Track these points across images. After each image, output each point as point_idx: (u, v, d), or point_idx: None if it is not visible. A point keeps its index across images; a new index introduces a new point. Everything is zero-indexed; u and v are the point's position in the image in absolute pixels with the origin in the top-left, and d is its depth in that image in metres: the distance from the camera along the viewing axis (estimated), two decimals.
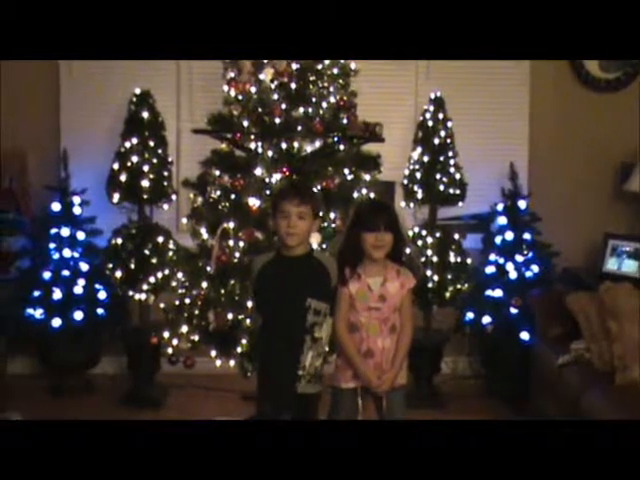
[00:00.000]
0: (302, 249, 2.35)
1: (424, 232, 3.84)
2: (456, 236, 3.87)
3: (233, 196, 3.07)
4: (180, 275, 3.30)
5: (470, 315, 3.88)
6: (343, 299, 2.37)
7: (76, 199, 3.83)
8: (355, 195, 3.15)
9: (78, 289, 3.76)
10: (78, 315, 3.71)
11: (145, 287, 3.74)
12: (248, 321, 2.92)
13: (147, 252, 3.74)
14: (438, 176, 3.78)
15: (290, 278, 2.31)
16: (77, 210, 3.84)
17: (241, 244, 3.02)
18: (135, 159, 3.73)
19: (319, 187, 3.06)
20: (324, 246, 2.97)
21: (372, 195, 3.17)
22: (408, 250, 2.47)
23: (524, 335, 3.69)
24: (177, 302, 3.19)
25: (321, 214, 2.98)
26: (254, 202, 3.00)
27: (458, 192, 3.82)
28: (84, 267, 3.80)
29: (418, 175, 3.80)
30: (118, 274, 3.72)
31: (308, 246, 2.40)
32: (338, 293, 2.37)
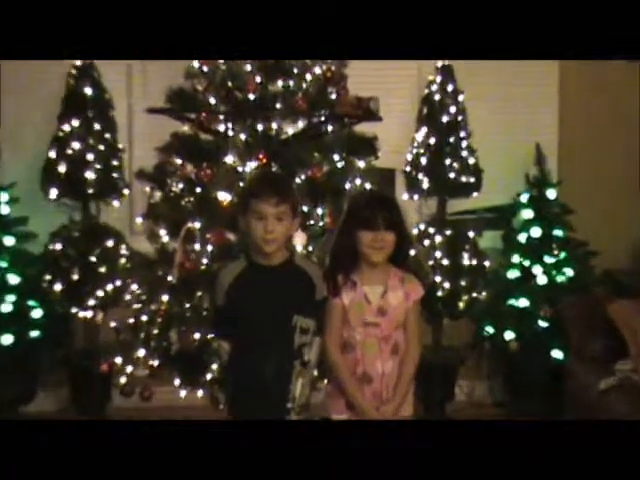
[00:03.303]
0: (281, 256, 2.36)
1: (432, 229, 3.88)
2: (471, 234, 3.91)
3: (199, 189, 3.10)
4: (135, 287, 3.35)
5: (489, 329, 3.96)
6: (335, 313, 2.39)
7: (2, 195, 3.82)
8: (347, 186, 3.19)
9: (6, 307, 3.76)
10: (6, 339, 3.69)
11: (92, 302, 3.77)
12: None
13: (94, 259, 3.77)
14: (448, 161, 3.82)
15: (270, 292, 2.32)
16: (4, 210, 3.83)
17: (209, 248, 3.05)
18: (76, 145, 3.76)
19: (303, 177, 3.11)
20: (310, 248, 3.00)
21: (368, 186, 3.21)
22: (413, 252, 2.51)
23: (556, 353, 3.76)
24: (131, 320, 3.24)
25: (305, 209, 3.04)
26: (224, 197, 3.04)
27: (472, 180, 3.86)
28: (13, 280, 3.78)
29: (423, 160, 3.84)
30: (57, 287, 3.74)
31: (287, 251, 2.41)
32: (328, 305, 2.39)
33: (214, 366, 2.98)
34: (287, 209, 2.31)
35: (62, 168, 3.79)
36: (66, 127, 3.81)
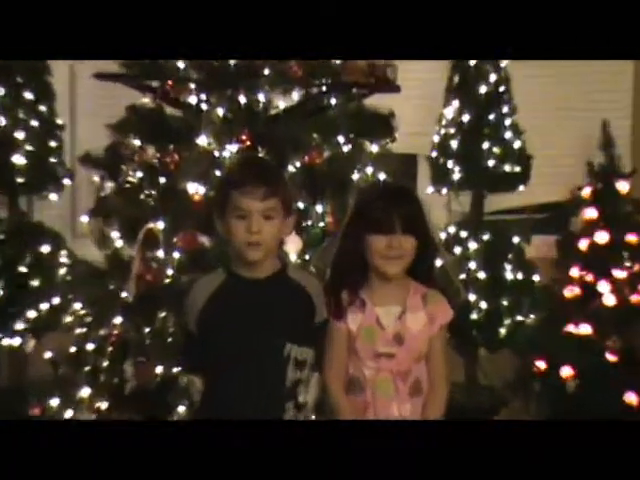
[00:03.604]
0: (270, 266, 2.38)
1: (464, 233, 3.94)
2: (515, 239, 3.95)
3: (163, 179, 3.14)
4: (78, 305, 3.34)
5: (540, 365, 3.94)
6: (338, 341, 2.40)
7: None
8: (355, 177, 3.22)
9: None
10: None
11: (20, 326, 3.79)
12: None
13: (24, 269, 3.80)
14: (486, 144, 3.86)
15: (256, 313, 2.34)
16: None
17: (176, 255, 3.08)
18: (1, 121, 3.80)
19: (298, 164, 3.13)
20: (307, 257, 3.02)
21: (382, 176, 3.23)
22: (440, 262, 2.52)
23: (629, 397, 3.74)
24: (73, 348, 3.25)
25: (301, 206, 3.07)
26: (196, 189, 3.07)
27: (518, 170, 3.92)
28: None
29: (454, 144, 3.90)
30: None
31: (278, 260, 2.43)
32: (330, 331, 2.41)
33: (181, 409, 2.97)
34: (277, 205, 2.32)
35: None
36: None
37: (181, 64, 3.17)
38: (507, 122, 3.96)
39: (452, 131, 3.95)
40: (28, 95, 3.88)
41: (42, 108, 3.94)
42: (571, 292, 3.96)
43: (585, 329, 3.89)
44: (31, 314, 3.84)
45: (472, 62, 3.96)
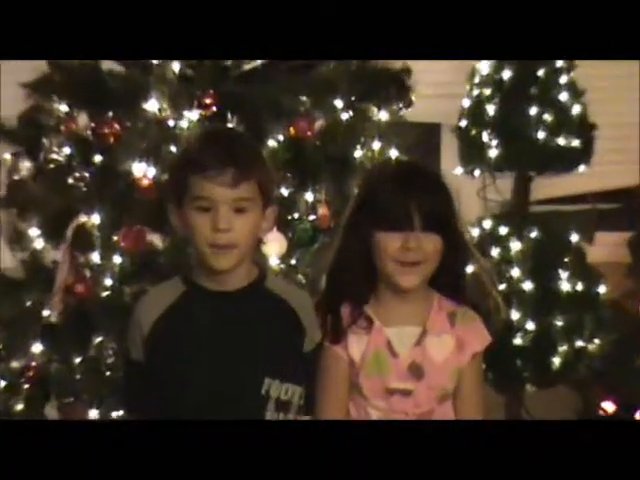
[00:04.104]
0: (243, 275, 2.41)
1: (504, 229, 3.97)
2: (573, 237, 3.99)
3: (99, 158, 3.22)
4: None
5: (607, 406, 4.03)
6: (335, 372, 2.42)
7: None
8: (357, 154, 3.28)
9: None
10: None
11: None
12: None
13: None
14: (533, 110, 3.90)
15: (223, 339, 2.37)
16: None
17: (117, 259, 3.16)
18: None
19: (281, 137, 3.21)
20: (294, 262, 3.10)
21: (394, 154, 3.29)
22: (472, 269, 2.55)
23: None
24: None
25: (285, 193, 3.18)
26: (143, 170, 3.15)
27: (577, 144, 3.97)
28: None
29: (490, 109, 3.93)
30: None
31: (255, 267, 2.46)
32: (324, 360, 2.42)
33: None
34: (252, 193, 2.34)
35: None
36: None
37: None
38: (562, 80, 3.99)
39: (488, 92, 3.96)
40: None
41: None
42: None
43: None
44: None
45: None
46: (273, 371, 2.35)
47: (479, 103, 4.04)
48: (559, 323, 3.95)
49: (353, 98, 3.35)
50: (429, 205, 2.37)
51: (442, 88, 4.07)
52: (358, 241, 2.43)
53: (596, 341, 4.05)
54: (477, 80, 4.09)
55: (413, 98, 3.44)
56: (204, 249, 2.32)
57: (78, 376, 3.16)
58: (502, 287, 3.82)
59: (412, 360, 2.41)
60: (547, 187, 4.20)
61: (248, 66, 3.32)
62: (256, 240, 2.46)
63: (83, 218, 3.19)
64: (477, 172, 4.06)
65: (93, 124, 3.27)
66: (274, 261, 3.07)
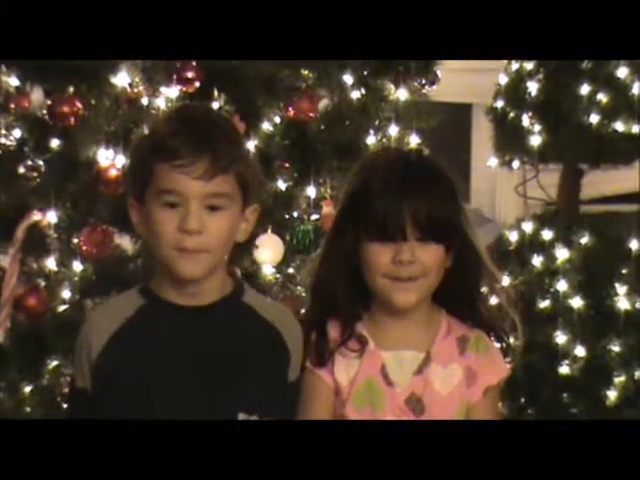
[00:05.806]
0: (215, 287, 2.34)
1: (549, 233, 3.83)
2: (633, 244, 3.88)
3: (56, 142, 3.18)
4: None
5: None
6: (319, 402, 2.36)
7: None
8: (370, 140, 3.25)
9: None
10: None
11: None
12: None
13: None
14: (585, 88, 3.78)
15: (190, 364, 2.31)
16: None
17: (77, 266, 3.14)
18: None
19: (278, 119, 3.17)
20: (291, 270, 3.05)
21: (415, 139, 3.23)
22: (488, 286, 2.46)
23: None
24: None
25: (282, 187, 3.07)
26: (110, 159, 3.14)
27: (637, 131, 3.84)
28: None
29: (532, 87, 3.81)
30: None
31: (230, 278, 2.38)
32: (305, 387, 2.35)
33: None
34: (230, 188, 2.26)
35: None
36: None
37: None
38: None
39: (530, 66, 3.88)
40: None
41: None
42: None
43: None
44: None
45: None
46: (249, 405, 2.30)
47: (519, 79, 3.95)
48: (615, 348, 3.81)
49: (365, 72, 3.32)
50: (427, 209, 2.31)
51: (474, 61, 3.72)
52: (345, 251, 2.38)
53: None
54: None
55: (438, 73, 3.42)
56: (169, 252, 2.26)
57: (28, 409, 3.11)
58: (545, 304, 3.80)
59: (411, 391, 2.35)
60: (601, 183, 4.15)
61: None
62: (231, 244, 2.36)
63: (36, 216, 3.17)
64: (516, 164, 3.97)
65: (49, 101, 3.22)
66: (268, 269, 3.09)
